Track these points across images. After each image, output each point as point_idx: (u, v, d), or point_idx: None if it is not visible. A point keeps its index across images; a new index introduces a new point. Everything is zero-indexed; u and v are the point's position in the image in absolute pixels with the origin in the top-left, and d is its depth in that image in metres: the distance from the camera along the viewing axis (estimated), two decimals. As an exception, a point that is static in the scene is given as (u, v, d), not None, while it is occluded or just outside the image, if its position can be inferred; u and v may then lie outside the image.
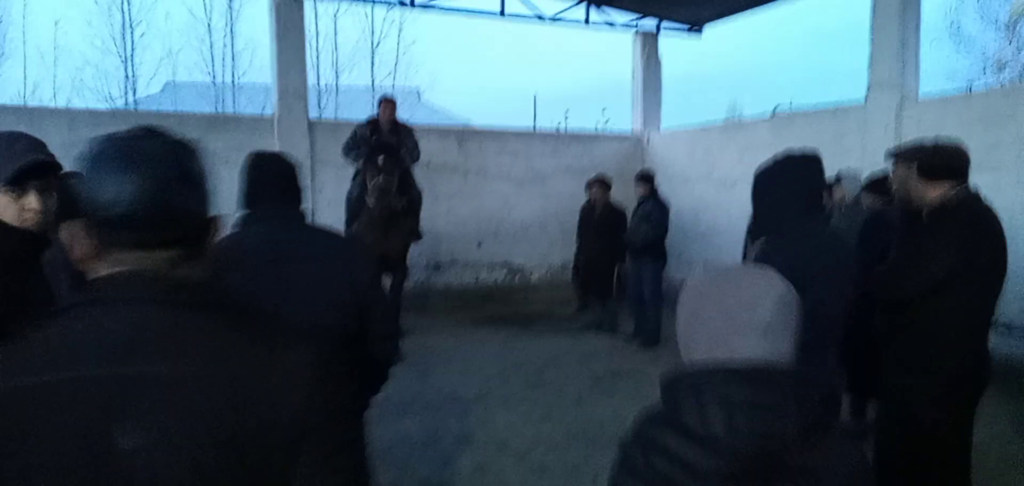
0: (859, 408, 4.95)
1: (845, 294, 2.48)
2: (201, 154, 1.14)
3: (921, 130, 7.23)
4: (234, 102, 22.87)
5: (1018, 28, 16.04)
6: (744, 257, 7.46)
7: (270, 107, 9.81)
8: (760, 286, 1.24)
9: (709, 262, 9.84)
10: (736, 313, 1.22)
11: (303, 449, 1.03)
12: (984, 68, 17.38)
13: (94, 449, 0.95)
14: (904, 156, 3.18)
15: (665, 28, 11.59)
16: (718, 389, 1.18)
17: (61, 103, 22.08)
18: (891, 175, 3.31)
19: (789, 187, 2.44)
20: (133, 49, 22.48)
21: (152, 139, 1.08)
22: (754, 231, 2.60)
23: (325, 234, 2.39)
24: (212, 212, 1.14)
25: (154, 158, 1.06)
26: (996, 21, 17.80)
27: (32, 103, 19.42)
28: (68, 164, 6.65)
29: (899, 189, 3.19)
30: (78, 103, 22.57)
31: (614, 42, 12.47)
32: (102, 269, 1.06)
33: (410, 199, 7.52)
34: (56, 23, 42.55)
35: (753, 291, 1.23)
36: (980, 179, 6.53)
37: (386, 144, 7.15)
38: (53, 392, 0.96)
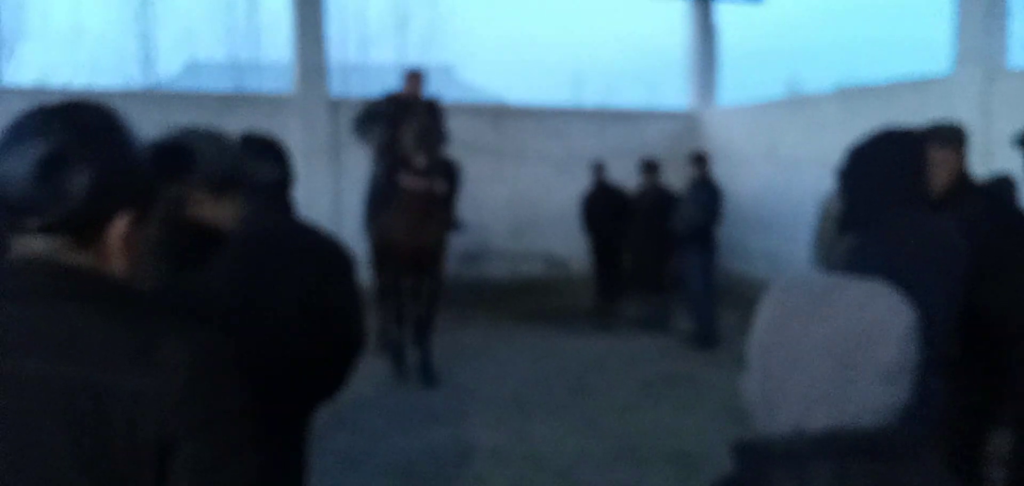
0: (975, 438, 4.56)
1: (956, 301, 2.22)
2: (117, 136, 1.10)
3: (1016, 106, 6.85)
4: (258, 81, 23.04)
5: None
6: (828, 254, 7.15)
7: (291, 85, 9.73)
8: (881, 311, 0.97)
9: (792, 270, 9.49)
10: (850, 353, 0.95)
11: (178, 458, 1.00)
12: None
13: None
14: None
15: (721, -3, 11.24)
16: (829, 467, 0.92)
17: (80, 84, 22.50)
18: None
19: (887, 170, 2.19)
20: (152, 27, 22.73)
21: (48, 115, 1.07)
22: (844, 221, 2.34)
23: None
24: (114, 199, 1.09)
25: (31, 136, 1.04)
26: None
27: (48, 85, 19.78)
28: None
29: None
30: (97, 84, 22.95)
31: (664, 11, 12.13)
32: (12, 253, 1.07)
33: (452, 185, 6.92)
34: (75, 2, 43.27)
35: (873, 319, 0.96)
36: (1086, 161, 6.21)
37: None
38: None
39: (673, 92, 11.10)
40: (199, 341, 1.06)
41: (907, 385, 0.98)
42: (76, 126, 1.07)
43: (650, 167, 8.13)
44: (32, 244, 1.05)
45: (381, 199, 6.46)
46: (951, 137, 3.01)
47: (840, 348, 0.95)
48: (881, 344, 0.95)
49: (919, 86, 8.06)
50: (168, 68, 24.01)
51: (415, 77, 7.00)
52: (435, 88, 8.32)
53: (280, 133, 9.15)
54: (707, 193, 7.57)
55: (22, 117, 1.07)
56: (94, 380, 0.98)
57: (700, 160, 7.77)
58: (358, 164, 9.33)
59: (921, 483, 0.94)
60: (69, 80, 23.21)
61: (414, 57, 25.02)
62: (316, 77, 9.20)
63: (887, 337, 0.95)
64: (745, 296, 9.55)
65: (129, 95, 9.61)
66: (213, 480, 1.04)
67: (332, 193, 9.27)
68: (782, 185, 9.76)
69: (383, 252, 6.42)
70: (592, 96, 34.38)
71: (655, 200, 8.05)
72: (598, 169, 8.57)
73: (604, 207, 8.50)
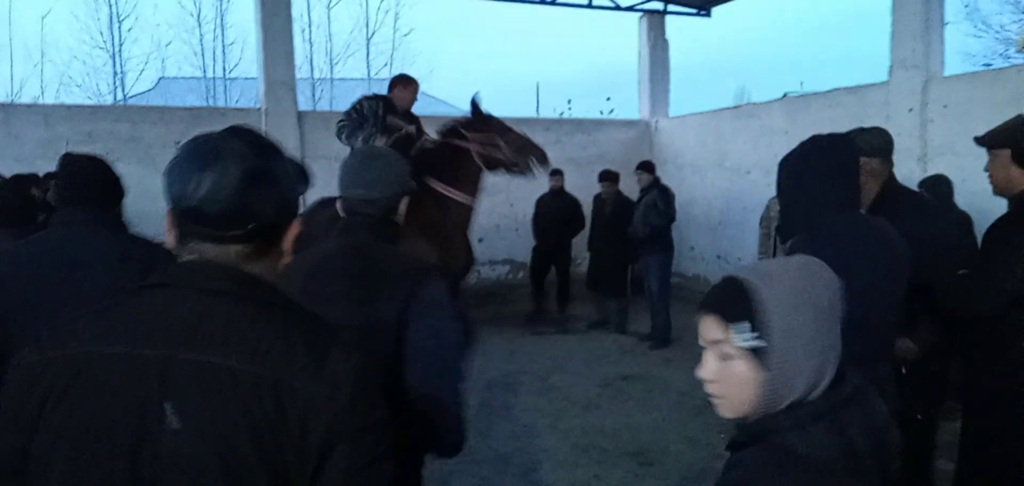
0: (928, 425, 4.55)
1: (896, 297, 2.17)
2: (283, 156, 1.22)
3: (949, 110, 6.94)
4: (226, 96, 22.61)
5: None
6: (769, 255, 7.18)
7: (258, 100, 9.52)
8: (826, 275, 1.23)
9: (738, 258, 9.61)
10: (829, 306, 1.20)
11: (335, 458, 1.07)
12: (1006, 50, 17.03)
13: (143, 423, 1.05)
14: (996, 141, 2.71)
15: (672, 10, 11.26)
16: (827, 422, 1.15)
17: (49, 100, 21.86)
18: (987, 167, 2.79)
19: (819, 175, 2.14)
20: (122, 43, 22.22)
21: (232, 139, 1.16)
22: (784, 230, 2.27)
23: None
24: (289, 213, 1.22)
25: (229, 156, 1.13)
26: (1015, 0, 17.46)
27: (19, 101, 19.18)
28: (45, 160, 6.34)
29: (996, 183, 2.75)
30: (67, 99, 22.33)
31: (619, 25, 12.21)
32: (182, 256, 1.17)
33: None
34: (43, 18, 42.17)
35: (830, 277, 1.23)
36: (1014, 162, 6.31)
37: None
38: (112, 363, 1.08)
39: (628, 103, 11.13)
40: (359, 356, 1.15)
41: (836, 318, 1.22)
42: (265, 149, 1.19)
43: (609, 176, 8.11)
44: (212, 252, 1.15)
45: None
46: (879, 145, 2.96)
47: (811, 296, 1.17)
48: (824, 290, 1.20)
49: (858, 92, 8.13)
50: (136, 84, 23.44)
51: (412, 85, 6.08)
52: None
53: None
54: (663, 198, 7.56)
55: (205, 139, 1.16)
56: (276, 379, 1.06)
57: (649, 167, 7.78)
58: (326, 175, 9.15)
59: (882, 411, 1.24)
60: (38, 96, 22.54)
61: (382, 72, 24.81)
62: (283, 91, 8.99)
63: (827, 288, 1.21)
64: (698, 296, 9.57)
65: (99, 110, 9.30)
66: (362, 480, 1.11)
67: (300, 200, 9.06)
68: (731, 189, 9.81)
69: None
70: (551, 107, 34.41)
71: (615, 207, 8.04)
72: (553, 176, 8.53)
73: (555, 213, 8.47)
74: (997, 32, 17.97)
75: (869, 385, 1.24)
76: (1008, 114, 6.29)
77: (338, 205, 1.93)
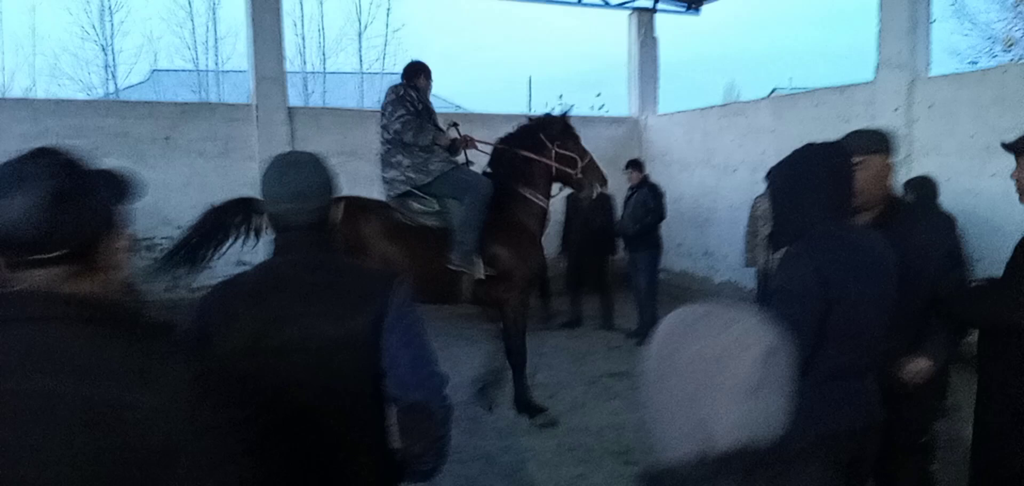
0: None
1: (886, 309, 2.12)
2: (92, 172, 1.21)
3: (934, 110, 6.92)
4: (219, 89, 22.44)
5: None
6: (766, 267, 7.14)
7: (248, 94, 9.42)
8: (738, 334, 1.00)
9: (727, 265, 9.55)
10: (709, 373, 0.98)
11: (182, 460, 1.07)
12: (992, 47, 17.04)
13: None
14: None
15: (661, 7, 11.21)
16: (734, 482, 0.95)
17: (40, 92, 21.67)
18: (1015, 173, 2.64)
19: (812, 183, 2.08)
20: (113, 35, 21.99)
21: (36, 160, 1.15)
22: (775, 238, 2.23)
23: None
24: (107, 226, 1.21)
25: (32, 179, 1.12)
26: (1000, -3, 17.46)
27: (9, 93, 19.00)
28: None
29: (1020, 187, 2.64)
30: (57, 92, 22.14)
31: (609, 21, 12.13)
32: (15, 286, 1.15)
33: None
34: (33, 9, 41.78)
35: (730, 341, 0.99)
36: (995, 163, 6.29)
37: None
38: None
39: (617, 99, 11.06)
40: (199, 363, 1.16)
41: (774, 398, 0.99)
42: (71, 167, 1.18)
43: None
44: (40, 277, 1.14)
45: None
46: (877, 142, 2.78)
47: (705, 363, 0.98)
48: (739, 361, 0.97)
49: (844, 92, 8.11)
50: (130, 76, 23.23)
51: (429, 74, 5.54)
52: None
53: (239, 141, 8.77)
54: (653, 196, 7.52)
55: (10, 164, 1.16)
56: (111, 397, 1.06)
57: (639, 165, 7.75)
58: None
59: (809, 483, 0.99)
60: (29, 87, 22.33)
61: (374, 66, 24.68)
62: (274, 86, 8.89)
63: (745, 354, 0.97)
64: (686, 292, 9.56)
65: (87, 104, 9.18)
66: (213, 482, 1.11)
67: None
68: (718, 187, 9.79)
69: None
70: (543, 102, 34.32)
71: (593, 203, 7.98)
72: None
73: None
74: (984, 29, 17.97)
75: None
76: (993, 115, 6.33)
77: (265, 219, 1.85)
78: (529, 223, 5.42)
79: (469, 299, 5.28)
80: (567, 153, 5.64)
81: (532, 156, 5.51)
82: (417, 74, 5.43)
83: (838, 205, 2.10)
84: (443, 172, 5.16)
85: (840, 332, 2.02)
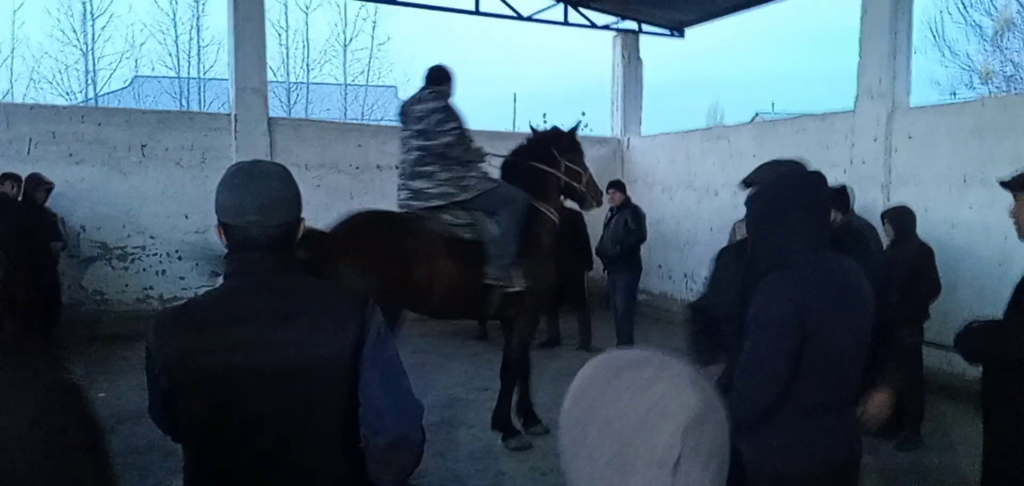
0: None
1: (864, 338, 2.07)
2: None
3: (913, 141, 6.96)
4: (201, 98, 22.27)
5: (1004, 38, 15.93)
6: (746, 297, 7.09)
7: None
8: (660, 396, 0.85)
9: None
10: (629, 438, 0.84)
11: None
12: (971, 78, 17.31)
13: None
14: (1022, 185, 2.64)
15: (646, 30, 11.26)
16: None
17: (19, 96, 21.39)
18: (1011, 209, 2.72)
19: (790, 212, 2.04)
20: (94, 41, 21.77)
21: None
22: (753, 267, 2.15)
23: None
24: None
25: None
26: (979, 30, 17.76)
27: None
28: (5, 159, 6.10)
29: (1021, 227, 2.69)
30: (37, 96, 21.87)
31: (594, 43, 12.17)
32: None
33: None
34: (15, 12, 41.25)
35: (651, 405, 0.85)
36: (973, 195, 6.34)
37: None
38: None
39: (601, 119, 11.05)
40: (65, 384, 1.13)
41: (696, 475, 0.84)
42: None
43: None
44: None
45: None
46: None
47: (619, 432, 0.85)
48: (656, 431, 0.83)
49: (825, 120, 8.16)
50: (109, 83, 22.98)
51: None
52: (380, 110, 7.99)
53: (218, 151, 8.70)
54: (635, 217, 7.51)
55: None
56: None
57: (621, 187, 7.74)
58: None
59: None
60: (7, 90, 22.03)
61: (359, 79, 24.62)
62: (255, 96, 8.80)
63: (663, 424, 0.84)
64: (666, 313, 9.54)
65: (63, 110, 9.05)
66: None
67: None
68: (700, 209, 9.80)
69: None
70: (527, 120, 34.31)
71: (568, 222, 7.95)
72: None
73: None
74: (962, 60, 18.25)
75: None
76: (971, 146, 6.38)
77: (220, 232, 1.65)
78: (543, 236, 5.34)
79: (495, 313, 5.21)
80: (574, 167, 5.64)
81: (546, 169, 5.45)
82: (450, 80, 5.18)
83: (814, 233, 2.06)
84: (485, 189, 5.03)
85: (817, 364, 1.97)
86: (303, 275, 1.68)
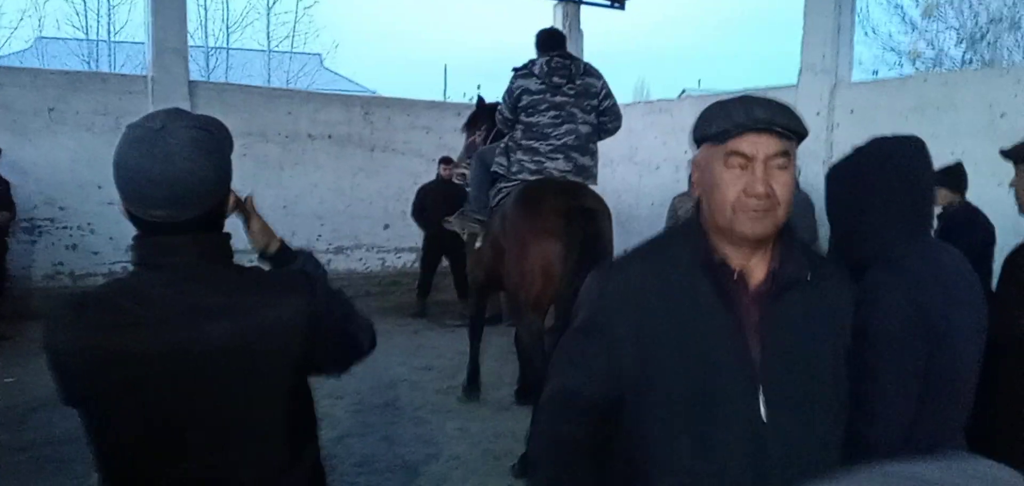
0: None
1: (982, 345, 1.66)
2: None
3: (855, 116, 7.06)
4: (111, 60, 21.05)
5: (931, 19, 16.52)
6: None
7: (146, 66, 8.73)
8: None
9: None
10: None
11: None
12: (899, 59, 17.91)
13: None
14: (1022, 155, 2.48)
15: (587, 1, 11.12)
16: None
17: (-97, 53, 19.86)
18: (1013, 182, 2.57)
19: (886, 189, 1.63)
20: (-8, -3, 20.28)
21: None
22: (843, 261, 1.68)
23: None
24: None
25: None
26: (902, 11, 18.37)
27: None
28: None
29: (1022, 199, 2.53)
30: (-76, 54, 20.31)
31: (533, 9, 11.93)
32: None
33: None
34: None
35: None
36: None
37: None
38: None
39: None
40: None
41: None
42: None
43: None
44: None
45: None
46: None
47: None
48: None
49: (767, 95, 8.20)
50: (10, 43, 21.50)
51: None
52: (305, 78, 7.64)
53: (133, 115, 8.18)
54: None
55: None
56: None
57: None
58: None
59: None
60: None
61: (283, 44, 23.76)
62: (175, 57, 8.25)
63: None
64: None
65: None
66: None
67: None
68: (640, 184, 9.78)
69: None
70: (460, 91, 33.99)
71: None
72: (441, 163, 8.34)
73: (439, 201, 7.95)
74: (885, 41, 18.86)
75: None
76: (912, 122, 6.49)
77: (124, 211, 1.35)
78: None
79: None
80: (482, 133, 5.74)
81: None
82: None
83: (918, 217, 1.68)
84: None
85: (941, 383, 1.57)
86: (232, 262, 1.39)
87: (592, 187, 4.69)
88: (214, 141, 1.34)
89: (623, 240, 9.44)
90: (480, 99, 6.24)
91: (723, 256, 1.40)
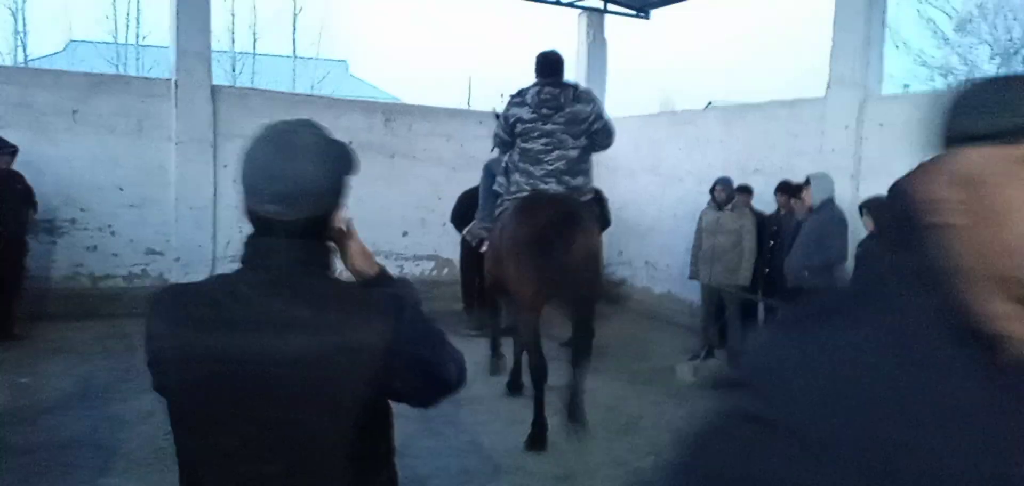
0: None
1: None
2: None
3: (884, 129, 6.91)
4: (139, 64, 21.34)
5: (964, 33, 16.23)
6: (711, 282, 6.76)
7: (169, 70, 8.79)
8: None
9: (670, 277, 9.36)
10: None
11: None
12: (931, 74, 17.59)
13: None
14: None
15: (612, 9, 11.05)
16: None
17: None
18: None
19: None
20: (27, 1, 20.65)
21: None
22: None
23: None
24: None
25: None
26: (933, 25, 18.07)
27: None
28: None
29: None
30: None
31: (557, 20, 11.91)
32: None
33: None
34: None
35: None
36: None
37: None
38: None
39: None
40: None
41: None
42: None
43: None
44: None
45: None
46: None
47: None
48: None
49: (794, 106, 8.07)
50: (42, 46, 21.88)
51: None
52: (329, 84, 7.64)
53: (156, 119, 8.16)
54: (595, 201, 7.30)
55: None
56: None
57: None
58: (237, 153, 8.51)
59: None
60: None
61: (308, 51, 23.93)
62: (197, 61, 8.31)
63: None
64: (627, 303, 9.39)
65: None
66: None
67: (210, 183, 8.44)
68: (663, 196, 9.67)
69: None
70: (485, 100, 34.04)
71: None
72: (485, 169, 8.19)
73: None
74: (916, 56, 18.56)
75: None
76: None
77: (246, 212, 1.37)
78: None
79: None
80: None
81: None
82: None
83: None
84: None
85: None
86: (330, 276, 1.40)
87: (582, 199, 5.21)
88: (335, 154, 1.39)
89: (642, 251, 9.32)
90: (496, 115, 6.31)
91: (1006, 324, 0.82)
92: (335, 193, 1.39)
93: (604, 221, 7.34)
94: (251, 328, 1.28)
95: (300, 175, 1.31)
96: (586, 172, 5.25)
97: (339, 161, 1.40)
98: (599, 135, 5.25)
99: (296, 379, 1.28)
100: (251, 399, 1.29)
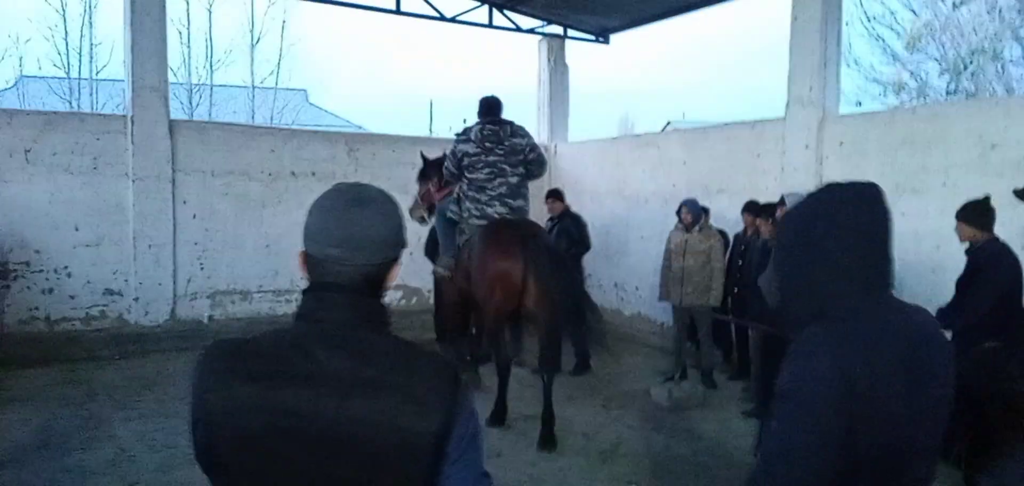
0: None
1: (940, 415, 1.54)
2: None
3: (844, 148, 7.04)
4: (93, 99, 20.90)
5: (914, 51, 16.68)
6: (682, 304, 6.98)
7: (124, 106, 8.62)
8: None
9: (637, 298, 9.49)
10: None
11: None
12: (884, 90, 18.02)
13: None
14: None
15: (572, 35, 11.16)
16: None
17: None
18: None
19: (834, 241, 1.50)
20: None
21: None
22: (785, 317, 1.62)
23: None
24: None
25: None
26: (882, 42, 18.56)
27: None
28: None
29: None
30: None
31: (519, 47, 12.00)
32: None
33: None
34: None
35: None
36: (905, 203, 6.42)
37: None
38: None
39: (526, 125, 10.80)
40: None
41: None
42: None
43: None
44: None
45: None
46: None
47: None
48: None
49: (756, 127, 8.20)
50: (-8, 82, 21.32)
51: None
52: (289, 114, 7.57)
53: (112, 155, 8.01)
54: (577, 226, 7.38)
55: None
56: None
57: (559, 195, 7.60)
58: (196, 188, 8.39)
59: None
60: None
61: (268, 80, 23.70)
62: (154, 96, 8.16)
63: None
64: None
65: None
66: None
67: (170, 219, 8.26)
68: (630, 217, 9.73)
69: None
70: (446, 126, 34.07)
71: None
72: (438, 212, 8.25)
73: None
74: (867, 72, 19.02)
75: None
76: (900, 154, 6.47)
77: (302, 260, 1.39)
78: None
79: None
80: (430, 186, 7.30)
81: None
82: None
83: (874, 273, 1.54)
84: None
85: (873, 459, 1.44)
86: (387, 332, 1.38)
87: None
88: (399, 215, 1.44)
89: (611, 273, 9.35)
90: (423, 156, 7.79)
91: None
92: (396, 246, 1.41)
93: (583, 244, 7.38)
94: (319, 384, 1.25)
95: (366, 220, 1.35)
96: (525, 196, 6.12)
97: (401, 217, 1.43)
98: (533, 164, 6.16)
99: (355, 443, 1.24)
100: (312, 456, 1.25)
